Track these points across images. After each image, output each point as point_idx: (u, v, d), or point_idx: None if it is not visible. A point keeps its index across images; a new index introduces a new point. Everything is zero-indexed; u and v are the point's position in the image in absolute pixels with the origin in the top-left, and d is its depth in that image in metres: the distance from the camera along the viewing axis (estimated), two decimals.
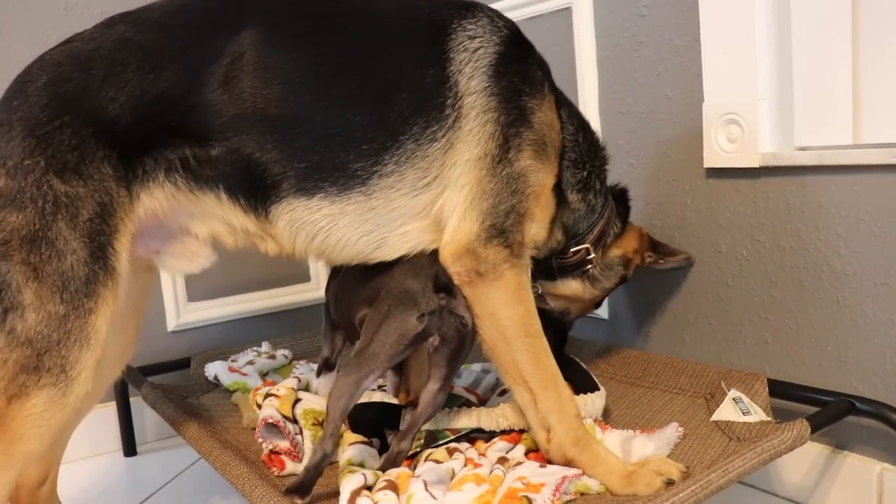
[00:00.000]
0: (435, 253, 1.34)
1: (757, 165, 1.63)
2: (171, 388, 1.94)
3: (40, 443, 1.19)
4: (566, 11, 2.01)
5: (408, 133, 1.28)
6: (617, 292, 1.78)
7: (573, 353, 1.77)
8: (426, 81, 1.30)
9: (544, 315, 1.57)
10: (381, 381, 1.72)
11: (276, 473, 1.45)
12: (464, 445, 1.43)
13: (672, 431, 1.42)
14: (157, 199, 1.26)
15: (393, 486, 1.24)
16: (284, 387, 1.64)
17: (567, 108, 1.48)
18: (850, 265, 1.52)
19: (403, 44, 1.34)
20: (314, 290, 2.50)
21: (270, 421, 1.48)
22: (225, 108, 1.24)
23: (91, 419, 1.65)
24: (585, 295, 1.61)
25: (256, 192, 1.28)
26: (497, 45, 1.34)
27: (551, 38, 2.04)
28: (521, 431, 1.42)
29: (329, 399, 1.28)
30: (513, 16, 2.05)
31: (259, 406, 1.59)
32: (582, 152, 1.49)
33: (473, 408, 1.48)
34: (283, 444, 1.46)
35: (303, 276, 2.50)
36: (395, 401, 1.57)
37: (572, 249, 1.54)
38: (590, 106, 1.98)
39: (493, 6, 1.43)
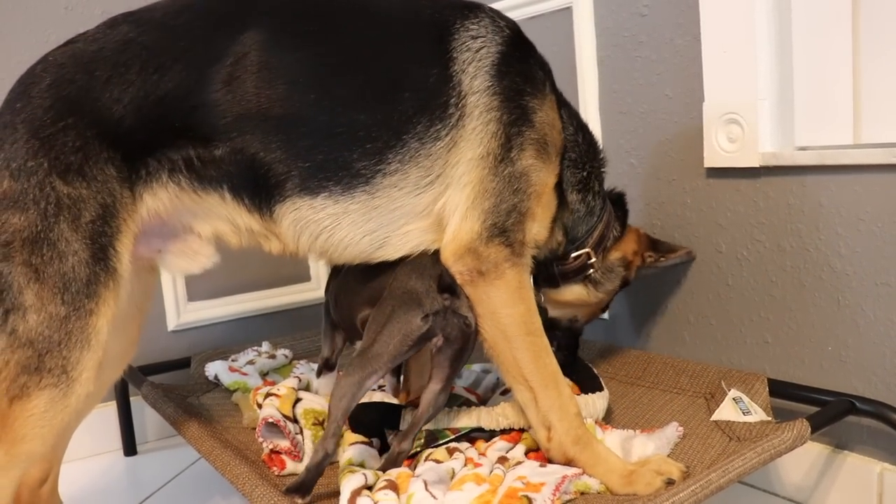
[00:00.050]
0: (436, 253, 1.34)
1: (757, 165, 1.63)
2: (172, 387, 1.94)
3: (42, 443, 1.19)
4: (566, 11, 2.01)
5: (412, 132, 1.29)
6: None
7: None
8: (430, 81, 1.30)
9: (554, 326, 1.58)
10: (381, 382, 1.72)
11: (276, 473, 1.45)
12: (464, 445, 1.43)
13: (672, 431, 1.42)
14: (160, 200, 1.27)
15: (393, 486, 1.24)
16: (285, 386, 1.64)
17: (567, 110, 1.49)
18: (850, 265, 1.52)
19: (407, 43, 1.34)
20: (314, 289, 2.50)
21: (271, 420, 1.48)
22: (229, 108, 1.24)
23: (91, 419, 1.65)
24: (591, 299, 1.61)
25: (261, 192, 1.28)
26: (499, 45, 1.34)
27: (552, 37, 2.04)
28: (521, 431, 1.42)
29: (331, 399, 1.28)
30: (513, 15, 2.05)
31: (259, 405, 1.59)
32: (581, 153, 1.49)
33: (473, 407, 1.48)
34: (284, 444, 1.46)
35: (303, 276, 2.50)
36: (395, 401, 1.57)
37: (573, 255, 1.54)
38: (590, 105, 1.98)
39: (494, 6, 1.43)
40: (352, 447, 1.40)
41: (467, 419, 1.44)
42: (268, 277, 2.42)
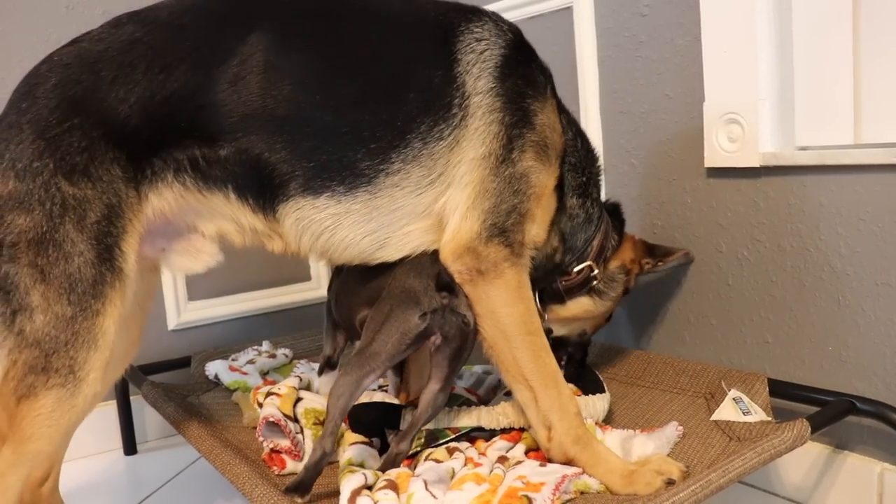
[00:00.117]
0: (435, 253, 1.35)
1: (758, 165, 1.63)
2: (172, 386, 1.94)
3: (49, 442, 1.20)
4: (567, 11, 2.01)
5: (415, 132, 1.29)
6: None
7: None
8: (434, 81, 1.31)
9: (564, 343, 1.59)
10: (381, 381, 1.72)
11: (276, 472, 1.45)
12: (464, 445, 1.43)
13: (672, 431, 1.42)
14: (165, 200, 1.27)
15: (393, 486, 1.24)
16: (286, 386, 1.64)
17: (566, 115, 1.50)
18: (850, 265, 1.52)
19: (411, 45, 1.34)
20: (315, 289, 2.50)
21: (271, 419, 1.48)
22: (234, 108, 1.24)
23: (92, 417, 1.64)
24: (598, 309, 1.62)
25: (265, 192, 1.29)
26: (502, 48, 1.35)
27: (552, 37, 2.04)
28: (521, 430, 1.42)
29: (329, 398, 1.28)
30: (514, 15, 2.05)
31: (260, 405, 1.59)
32: (580, 158, 1.50)
33: (473, 407, 1.48)
34: (284, 443, 1.47)
35: (304, 276, 2.50)
36: (395, 401, 1.57)
37: (575, 269, 1.54)
38: (591, 105, 1.98)
39: (496, 5, 1.43)
40: (352, 447, 1.40)
41: (467, 419, 1.44)
42: (268, 277, 2.42)
